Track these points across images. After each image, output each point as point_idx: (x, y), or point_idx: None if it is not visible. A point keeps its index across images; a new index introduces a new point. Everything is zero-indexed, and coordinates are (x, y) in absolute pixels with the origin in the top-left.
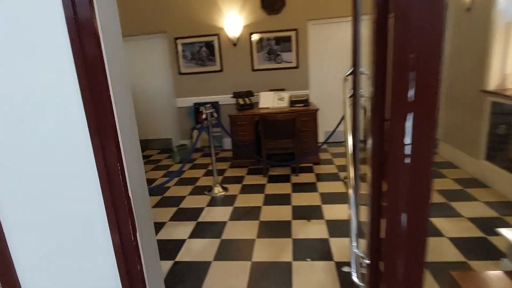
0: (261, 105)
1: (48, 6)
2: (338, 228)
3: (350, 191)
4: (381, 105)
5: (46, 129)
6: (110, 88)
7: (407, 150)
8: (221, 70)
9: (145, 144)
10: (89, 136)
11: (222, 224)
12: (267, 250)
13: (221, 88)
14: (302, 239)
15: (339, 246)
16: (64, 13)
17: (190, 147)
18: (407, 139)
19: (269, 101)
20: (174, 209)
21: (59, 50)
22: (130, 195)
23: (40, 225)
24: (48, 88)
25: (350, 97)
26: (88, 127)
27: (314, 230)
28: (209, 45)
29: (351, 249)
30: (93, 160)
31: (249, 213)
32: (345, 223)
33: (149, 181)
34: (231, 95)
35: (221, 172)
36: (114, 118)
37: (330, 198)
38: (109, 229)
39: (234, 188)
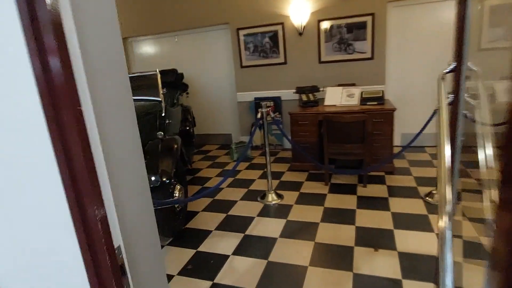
0: (326, 102)
1: None
2: (416, 266)
3: (444, 221)
4: None
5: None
6: (85, 99)
7: None
8: (284, 63)
9: (204, 139)
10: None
11: (272, 241)
12: (321, 285)
13: (284, 82)
14: (366, 275)
15: None
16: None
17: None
18: None
19: (337, 97)
20: (222, 216)
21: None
22: (119, 241)
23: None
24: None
25: (450, 104)
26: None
27: (383, 264)
28: (273, 35)
29: None
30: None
31: (304, 231)
32: (426, 260)
33: (203, 180)
34: (294, 90)
35: (278, 175)
36: (86, 132)
37: (406, 221)
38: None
39: (290, 196)
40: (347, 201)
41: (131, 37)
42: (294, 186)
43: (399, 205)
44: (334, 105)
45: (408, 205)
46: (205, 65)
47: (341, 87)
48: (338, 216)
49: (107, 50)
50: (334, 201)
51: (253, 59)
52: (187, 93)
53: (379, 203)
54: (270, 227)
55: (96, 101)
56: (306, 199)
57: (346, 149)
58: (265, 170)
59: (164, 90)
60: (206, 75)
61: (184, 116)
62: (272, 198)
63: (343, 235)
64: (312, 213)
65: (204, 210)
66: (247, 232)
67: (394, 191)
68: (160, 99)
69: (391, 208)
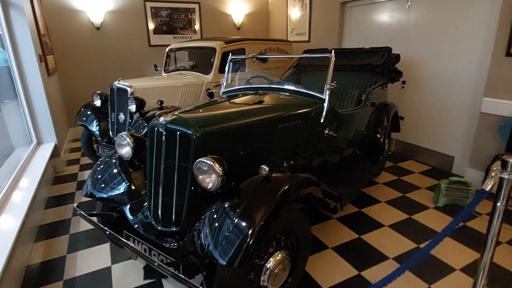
0: None
1: None
2: None
3: None
4: None
5: None
6: None
7: None
8: None
9: (409, 151)
10: None
11: None
12: None
13: None
14: None
15: None
16: None
17: (474, 190)
18: None
19: None
20: None
21: None
22: None
23: None
24: None
25: None
26: None
27: None
28: None
29: None
30: None
31: None
32: None
33: (367, 225)
34: None
35: (505, 279)
36: None
37: None
38: None
39: None
40: None
41: (350, 1)
42: None
43: None
44: None
45: None
46: (440, 45)
47: None
48: None
49: None
50: None
51: None
52: (403, 83)
53: None
54: None
55: None
56: None
57: None
58: (480, 258)
59: (334, 84)
60: (437, 61)
61: (377, 119)
62: None
63: None
64: None
65: None
66: None
67: None
68: (323, 97)
69: None
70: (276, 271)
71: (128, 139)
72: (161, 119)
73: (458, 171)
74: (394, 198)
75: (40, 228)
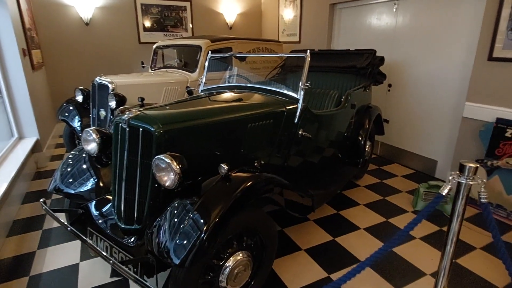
0: None
1: None
2: None
3: None
4: None
5: None
6: None
7: None
8: None
9: (394, 154)
10: None
11: None
12: None
13: None
14: None
15: None
16: None
17: (453, 195)
18: None
19: None
20: None
21: None
22: None
23: None
24: None
25: None
26: None
27: None
28: None
29: None
30: None
31: None
32: None
33: (343, 226)
34: None
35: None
36: None
37: None
38: None
39: None
40: None
41: (339, 3)
42: None
43: None
44: None
45: None
46: (426, 48)
47: None
48: None
49: None
50: None
51: None
52: (389, 86)
53: None
54: None
55: None
56: None
57: None
58: (441, 259)
59: (308, 84)
60: (422, 64)
61: (358, 121)
62: None
63: None
64: None
65: None
66: None
67: None
68: (297, 97)
69: None
70: (236, 271)
71: (94, 135)
72: (125, 115)
73: (441, 175)
74: (373, 201)
75: (14, 223)
